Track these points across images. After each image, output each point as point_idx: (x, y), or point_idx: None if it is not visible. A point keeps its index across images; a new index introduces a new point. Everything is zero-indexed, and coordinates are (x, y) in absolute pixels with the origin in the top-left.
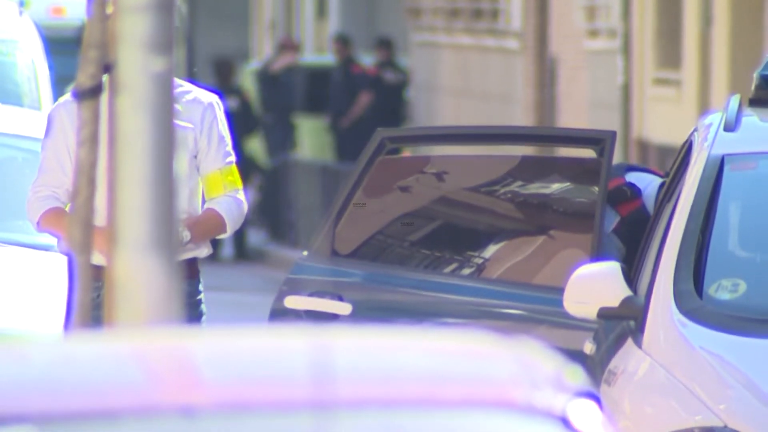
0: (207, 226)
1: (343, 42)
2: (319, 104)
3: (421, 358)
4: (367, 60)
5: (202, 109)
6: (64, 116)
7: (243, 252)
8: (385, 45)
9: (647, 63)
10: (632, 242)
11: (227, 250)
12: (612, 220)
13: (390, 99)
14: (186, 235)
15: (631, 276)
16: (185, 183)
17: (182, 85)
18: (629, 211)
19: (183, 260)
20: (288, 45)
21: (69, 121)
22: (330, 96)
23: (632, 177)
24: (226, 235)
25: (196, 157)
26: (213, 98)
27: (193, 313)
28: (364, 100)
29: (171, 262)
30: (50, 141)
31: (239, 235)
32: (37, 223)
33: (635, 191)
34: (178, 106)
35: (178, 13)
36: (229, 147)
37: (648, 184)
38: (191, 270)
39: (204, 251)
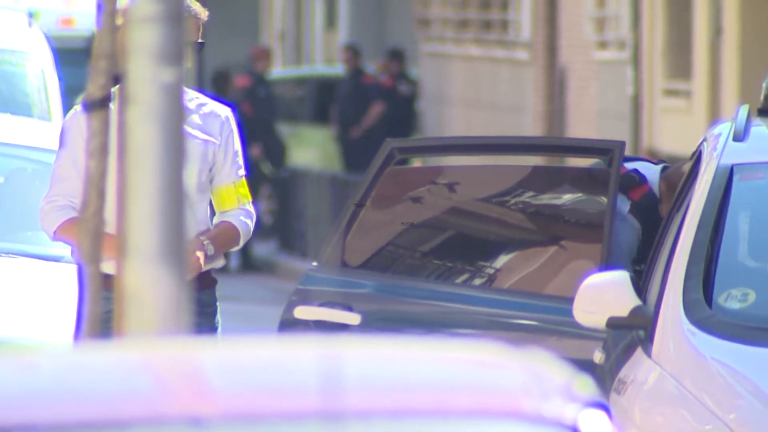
0: (225, 238)
1: (352, 52)
2: (327, 114)
3: (430, 368)
4: (373, 70)
5: (220, 122)
6: (82, 124)
7: (249, 262)
8: (397, 56)
9: (657, 74)
10: (645, 224)
11: (233, 261)
12: (625, 205)
13: (401, 110)
14: (211, 248)
15: (640, 267)
16: (205, 195)
17: (198, 97)
18: (639, 196)
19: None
20: (258, 55)
21: (85, 130)
22: (338, 106)
23: (632, 165)
24: (237, 248)
25: (211, 169)
26: (228, 111)
27: (208, 323)
28: (377, 110)
29: (181, 272)
30: (67, 150)
31: (245, 246)
32: (54, 232)
33: (642, 177)
34: (196, 118)
35: (198, 27)
36: (241, 160)
37: (647, 170)
38: (207, 281)
39: (219, 262)
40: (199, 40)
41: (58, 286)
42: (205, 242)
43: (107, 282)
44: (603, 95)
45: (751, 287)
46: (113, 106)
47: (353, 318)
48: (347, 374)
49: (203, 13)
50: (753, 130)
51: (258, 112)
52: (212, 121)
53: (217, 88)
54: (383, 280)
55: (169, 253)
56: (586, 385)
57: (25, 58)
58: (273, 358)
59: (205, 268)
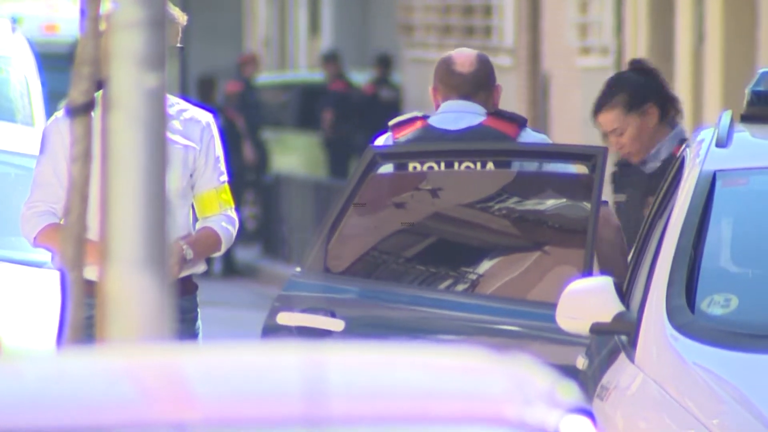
0: (205, 244)
1: (332, 59)
2: (311, 120)
3: (414, 374)
4: (360, 78)
5: (200, 128)
6: (63, 130)
7: (231, 267)
8: (383, 62)
9: None
10: None
11: (216, 266)
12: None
13: (385, 116)
14: (189, 252)
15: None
16: (185, 201)
17: (179, 103)
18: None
19: (180, 277)
20: (245, 60)
21: (67, 136)
22: (321, 112)
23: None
24: (219, 254)
25: (192, 175)
26: (209, 117)
27: (189, 329)
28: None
29: (163, 277)
30: (47, 156)
31: (228, 251)
32: (34, 238)
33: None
34: (177, 124)
35: (178, 31)
36: (223, 166)
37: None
38: (187, 286)
39: (200, 268)
40: (179, 45)
41: (41, 292)
42: (183, 246)
43: (90, 288)
44: (586, 101)
45: (734, 293)
46: (96, 111)
47: (337, 324)
48: (330, 380)
49: (182, 18)
50: (736, 136)
51: (248, 118)
52: (193, 126)
53: (203, 94)
54: (367, 285)
55: (151, 259)
56: (569, 391)
57: (8, 64)
58: (256, 364)
59: (183, 273)
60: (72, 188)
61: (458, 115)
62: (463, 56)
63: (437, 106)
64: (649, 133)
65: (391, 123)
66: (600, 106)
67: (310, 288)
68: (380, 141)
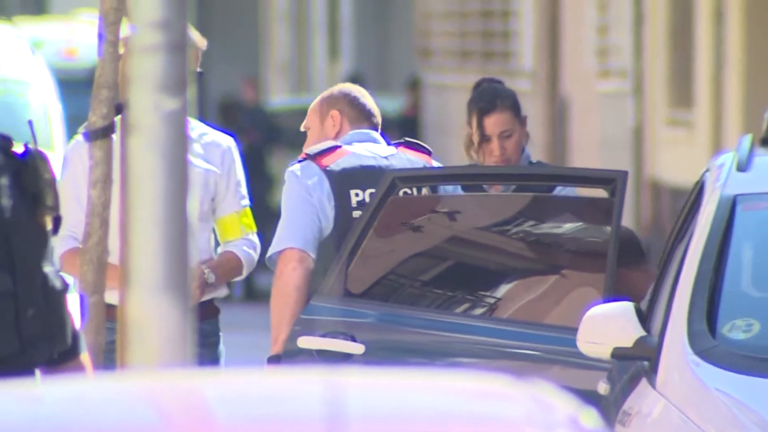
0: (227, 268)
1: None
2: None
3: (434, 398)
4: (383, 102)
5: (221, 152)
6: (83, 154)
7: (251, 291)
8: (415, 86)
9: (659, 104)
10: None
11: (237, 289)
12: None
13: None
14: (211, 276)
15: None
16: (207, 224)
17: (199, 127)
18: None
19: (201, 301)
20: (244, 84)
21: (87, 160)
22: None
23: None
24: (241, 278)
25: (213, 199)
26: (230, 141)
27: (211, 353)
28: None
29: (184, 301)
30: (69, 180)
31: (248, 275)
32: None
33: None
34: (197, 147)
35: (197, 55)
36: (244, 190)
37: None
38: (209, 310)
39: (222, 292)
40: (198, 69)
41: None
42: (205, 270)
43: (111, 312)
44: (605, 125)
45: (756, 317)
46: (116, 135)
47: (356, 348)
48: (351, 404)
49: (202, 42)
50: (756, 160)
51: (250, 141)
52: (213, 150)
53: (224, 118)
54: (386, 309)
55: (172, 283)
56: (591, 417)
57: (28, 88)
58: (276, 389)
59: (205, 297)
60: (91, 212)
61: (371, 143)
62: (362, 91)
63: (337, 134)
64: (521, 144)
65: (311, 152)
66: (492, 107)
67: (330, 312)
68: (296, 168)
